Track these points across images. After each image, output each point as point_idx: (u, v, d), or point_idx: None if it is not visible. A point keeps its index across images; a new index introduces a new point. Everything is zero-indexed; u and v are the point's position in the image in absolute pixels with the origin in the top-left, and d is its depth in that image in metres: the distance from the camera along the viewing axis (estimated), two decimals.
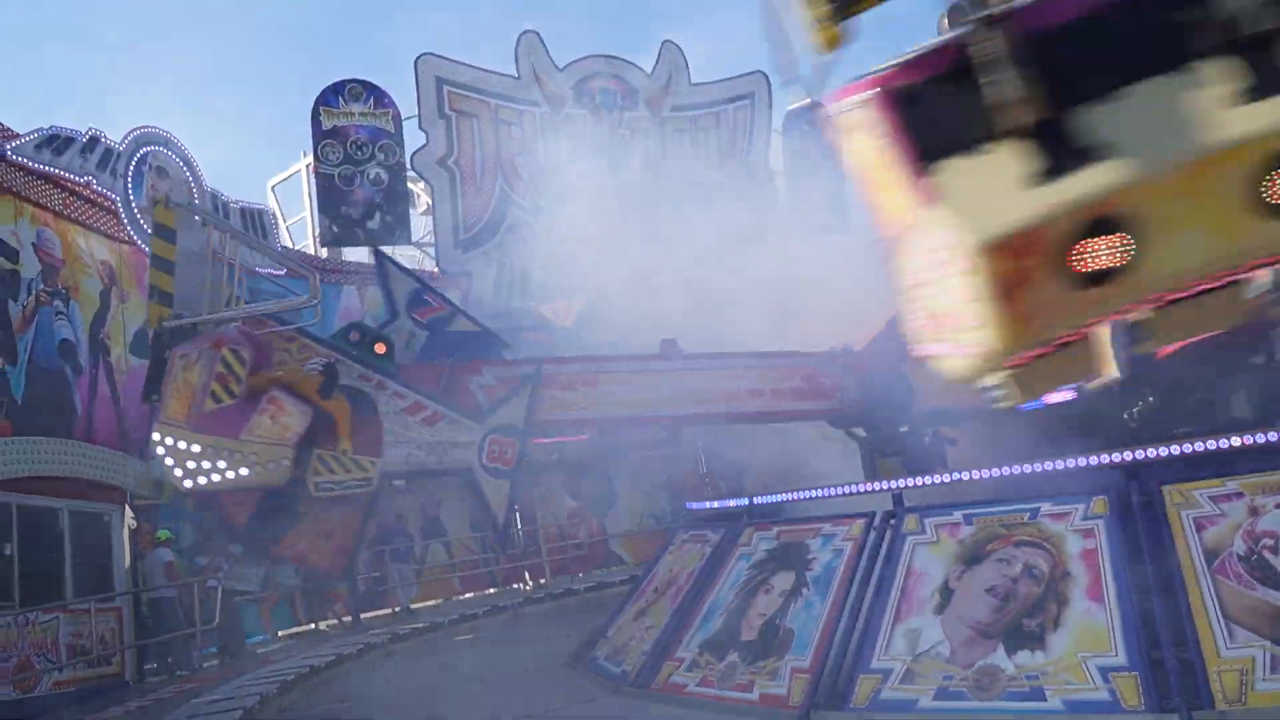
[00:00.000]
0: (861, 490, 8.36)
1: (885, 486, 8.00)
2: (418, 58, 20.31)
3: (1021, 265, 4.09)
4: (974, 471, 7.49)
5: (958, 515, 7.08)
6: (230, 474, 7.27)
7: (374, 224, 19.65)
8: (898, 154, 4.45)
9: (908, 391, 10.07)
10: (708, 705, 7.14)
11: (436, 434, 8.75)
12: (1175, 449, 6.32)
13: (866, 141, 4.61)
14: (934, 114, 4.32)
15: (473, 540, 19.20)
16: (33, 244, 12.76)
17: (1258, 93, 3.96)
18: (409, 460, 8.75)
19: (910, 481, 7.90)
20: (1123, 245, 4.05)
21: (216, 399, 7.24)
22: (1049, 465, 7.03)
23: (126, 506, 13.58)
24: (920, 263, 4.55)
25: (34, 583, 11.74)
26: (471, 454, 8.84)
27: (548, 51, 21.72)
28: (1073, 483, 6.77)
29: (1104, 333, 4.71)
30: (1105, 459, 6.67)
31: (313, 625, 16.47)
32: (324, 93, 19.79)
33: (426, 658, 12.16)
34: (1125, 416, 8.93)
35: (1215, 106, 3.99)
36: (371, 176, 19.63)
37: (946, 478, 7.79)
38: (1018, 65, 4.07)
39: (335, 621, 16.67)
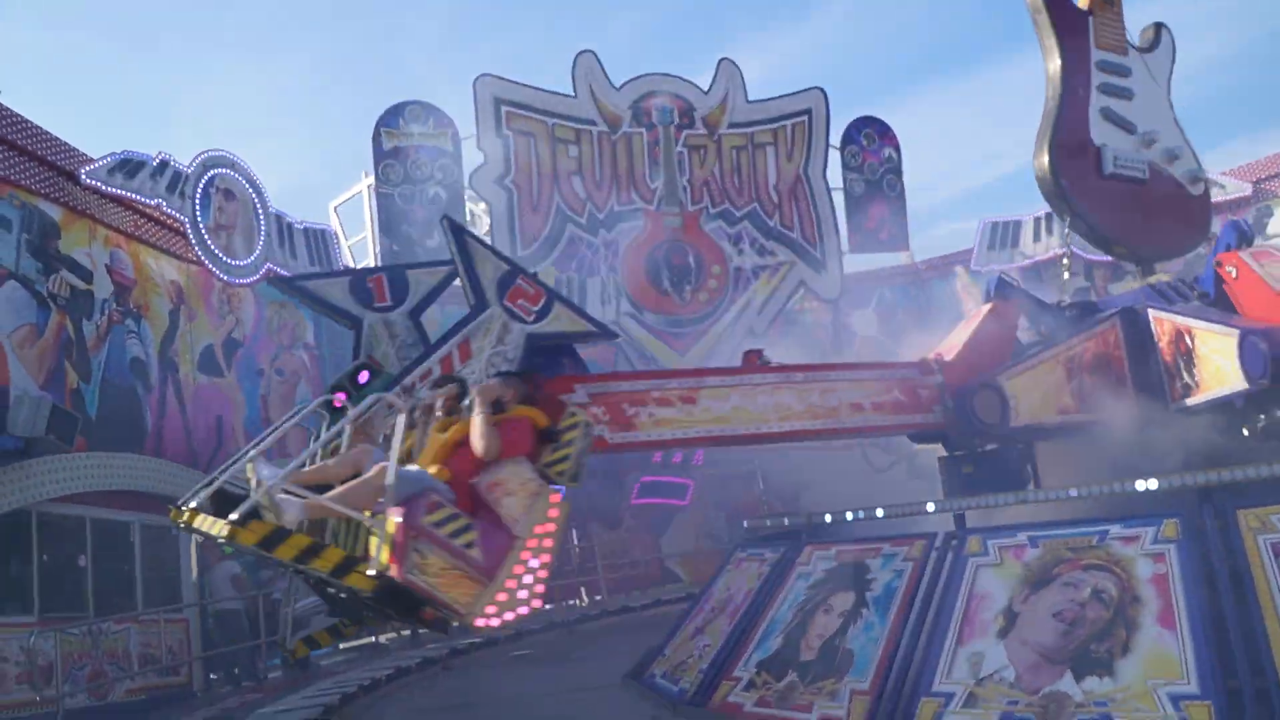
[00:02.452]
0: (922, 511, 8.27)
1: (947, 507, 7.91)
2: (476, 78, 20.59)
3: None
4: (1040, 493, 7.36)
5: (1022, 537, 6.97)
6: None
7: (433, 242, 19.91)
8: None
9: (1004, 404, 9.56)
10: None
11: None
12: (1252, 471, 6.17)
13: None
14: None
15: None
16: (106, 265, 13.16)
17: None
18: None
19: (973, 503, 7.81)
20: None
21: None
22: (1119, 487, 6.91)
23: None
24: None
25: (106, 594, 12.08)
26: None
27: (604, 71, 21.89)
28: (1143, 506, 6.63)
29: None
30: (1178, 481, 6.53)
31: (373, 639, 16.66)
32: (385, 114, 20.14)
33: (484, 672, 12.25)
34: (1246, 433, 8.53)
35: None
36: (431, 195, 19.92)
37: (1010, 499, 7.67)
38: None
39: (395, 635, 16.83)
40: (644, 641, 10.67)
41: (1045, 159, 10.11)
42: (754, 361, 10.08)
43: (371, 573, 5.46)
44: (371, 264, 20.68)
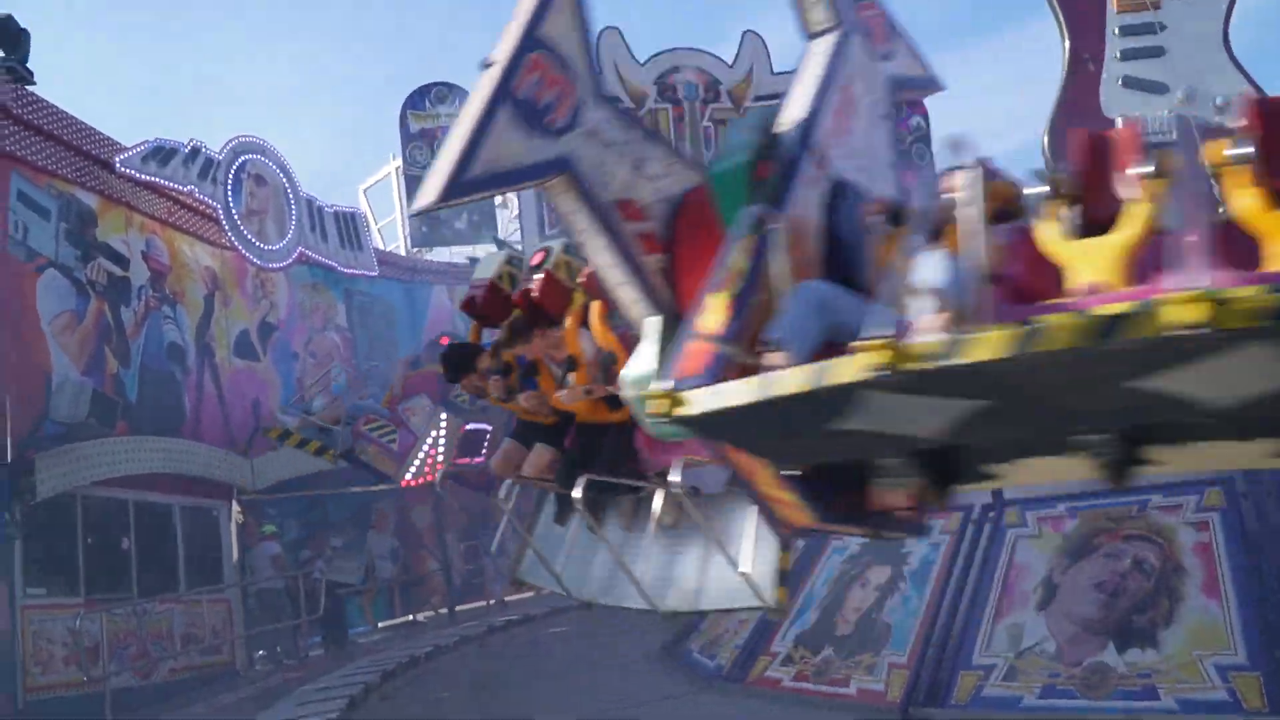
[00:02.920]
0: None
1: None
2: None
3: None
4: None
5: (1061, 508, 6.92)
6: None
7: (461, 224, 19.98)
8: None
9: None
10: (804, 700, 7.12)
11: None
12: None
13: None
14: None
15: None
16: (142, 252, 13.29)
17: None
18: None
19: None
20: None
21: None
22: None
23: (233, 502, 14.09)
24: None
25: (150, 575, 12.27)
26: None
27: (628, 47, 21.77)
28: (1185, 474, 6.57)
29: None
30: None
31: (410, 617, 16.85)
32: (411, 96, 20.17)
33: (522, 649, 12.36)
34: None
35: None
36: None
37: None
38: None
39: (432, 613, 17.03)
40: (680, 617, 10.71)
41: (1045, 141, 10.09)
42: None
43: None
44: (402, 246, 20.78)
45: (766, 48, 22.82)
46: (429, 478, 15.95)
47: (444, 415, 15.61)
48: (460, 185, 3.15)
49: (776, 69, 22.83)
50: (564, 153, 3.79)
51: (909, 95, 10.08)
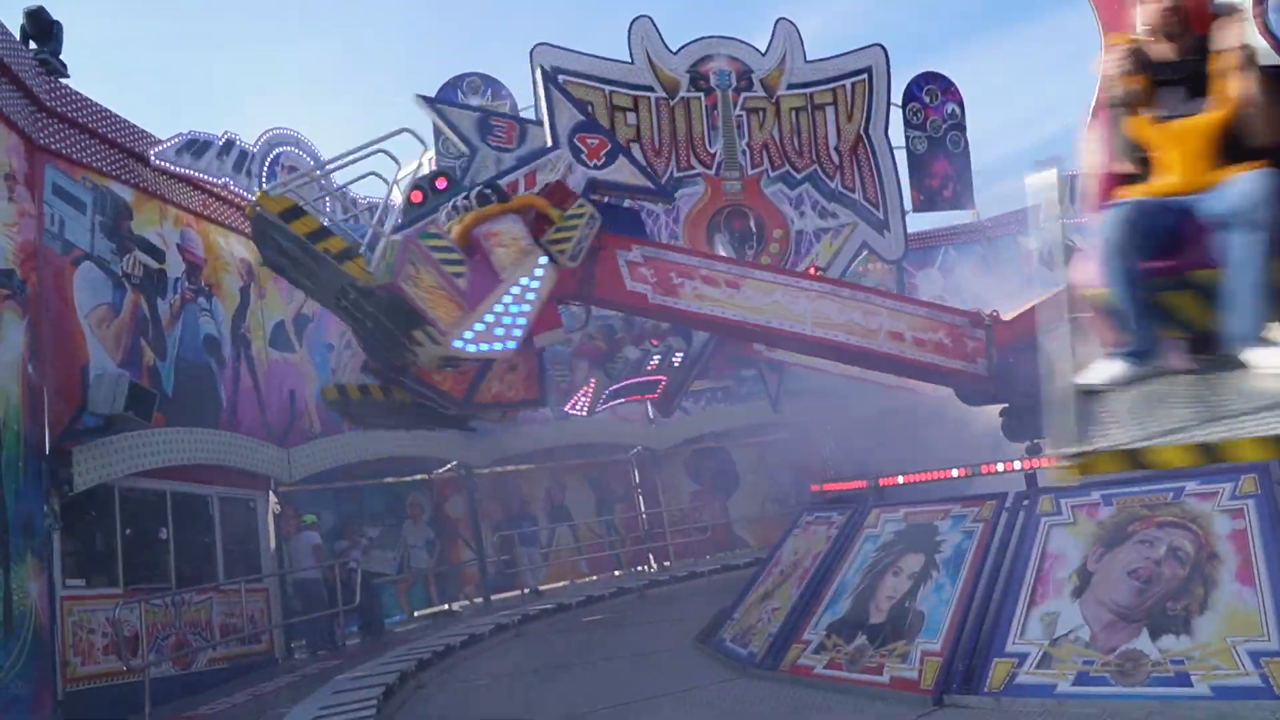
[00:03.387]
0: (992, 471, 8.16)
1: (1017, 467, 7.80)
2: (533, 47, 20.54)
3: None
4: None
5: (1096, 496, 6.83)
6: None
7: None
8: None
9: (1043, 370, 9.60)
10: (837, 688, 7.08)
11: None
12: None
13: None
14: None
15: (598, 524, 19.49)
16: (177, 244, 13.45)
17: None
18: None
19: (1044, 462, 7.67)
20: None
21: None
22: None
23: (270, 492, 14.26)
24: None
25: (188, 565, 12.45)
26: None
27: (661, 36, 21.69)
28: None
29: None
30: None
31: (446, 606, 17.01)
32: (444, 87, 20.18)
33: (555, 638, 12.41)
34: None
35: None
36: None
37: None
38: None
39: (467, 603, 17.17)
40: (712, 606, 10.72)
41: None
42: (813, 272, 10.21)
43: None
44: None
45: (800, 35, 22.64)
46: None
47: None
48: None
49: (810, 57, 22.67)
50: None
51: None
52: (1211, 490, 6.20)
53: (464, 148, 11.26)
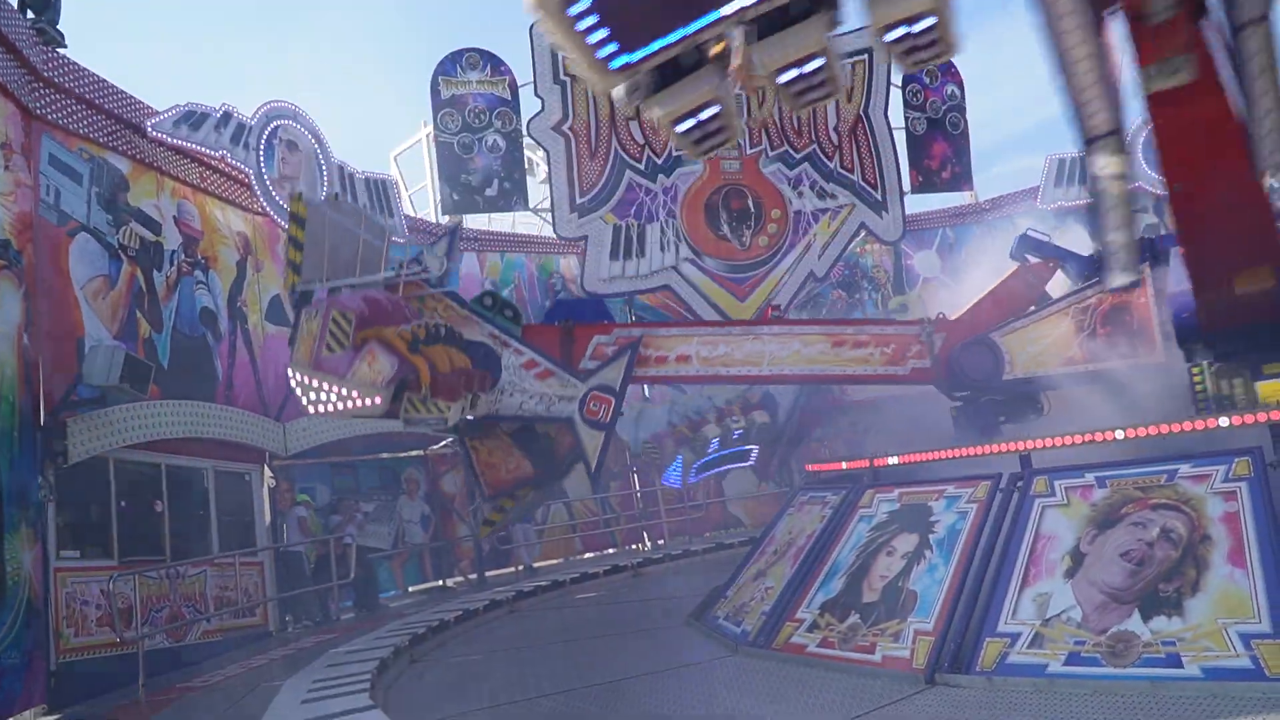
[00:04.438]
0: (986, 453, 8.17)
1: (1012, 449, 7.81)
2: (532, 24, 20.42)
3: None
4: (1109, 432, 7.23)
5: (1089, 477, 6.85)
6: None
7: (492, 191, 19.96)
8: None
9: (995, 357, 10.33)
10: (829, 666, 7.11)
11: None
12: None
13: None
14: None
15: (593, 502, 19.53)
16: (174, 216, 13.40)
17: None
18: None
19: (1041, 443, 7.68)
20: None
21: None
22: (1188, 426, 6.77)
23: (265, 466, 14.26)
24: None
25: (183, 538, 12.47)
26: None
27: None
28: (1212, 444, 6.48)
29: None
30: (1250, 419, 6.37)
31: (440, 582, 17.06)
32: (442, 62, 20.11)
33: (549, 614, 12.46)
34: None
35: None
36: (489, 144, 19.91)
37: (1079, 439, 7.53)
38: None
39: (462, 579, 17.23)
40: (706, 584, 10.76)
41: None
42: (768, 315, 11.64)
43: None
44: (432, 212, 20.85)
45: None
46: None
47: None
48: None
49: None
50: None
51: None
52: (1205, 473, 6.21)
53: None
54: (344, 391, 9.11)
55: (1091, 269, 10.47)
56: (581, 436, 10.36)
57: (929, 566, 7.31)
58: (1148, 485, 6.45)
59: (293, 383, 9.45)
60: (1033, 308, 10.71)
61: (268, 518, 14.16)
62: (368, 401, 9.15)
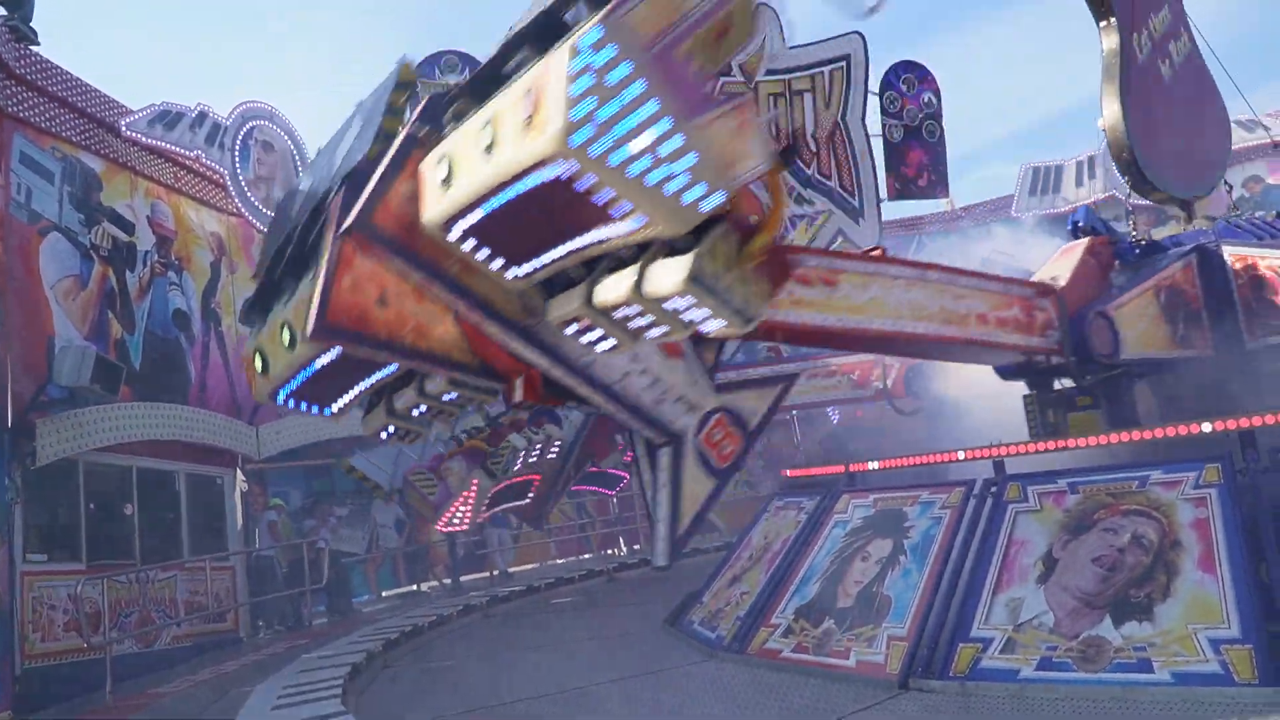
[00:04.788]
0: (960, 458, 8.20)
1: (983, 454, 7.85)
2: (511, 25, 20.39)
3: None
4: (1080, 439, 7.30)
5: (1062, 483, 6.90)
6: None
7: None
8: None
9: (1115, 333, 9.12)
10: (804, 671, 7.11)
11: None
12: None
13: None
14: None
15: (569, 506, 19.48)
16: (147, 217, 13.27)
17: None
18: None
19: (1011, 449, 7.73)
20: None
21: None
22: (1159, 433, 6.83)
23: (238, 470, 14.14)
24: None
25: (153, 541, 12.34)
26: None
27: None
28: (1184, 450, 6.53)
29: None
30: (1218, 425, 6.43)
31: (414, 586, 16.96)
32: (421, 64, 20.00)
33: (524, 619, 12.40)
34: None
35: None
36: None
37: (1050, 445, 7.59)
38: None
39: (436, 583, 17.13)
40: (682, 589, 10.74)
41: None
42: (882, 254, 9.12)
43: None
44: None
45: (780, 20, 22.60)
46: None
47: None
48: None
49: (791, 43, 22.64)
50: None
51: None
52: (1175, 479, 6.27)
53: None
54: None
55: (1134, 254, 9.99)
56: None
57: (903, 572, 7.34)
58: (1119, 491, 6.50)
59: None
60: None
61: (240, 522, 14.04)
62: None
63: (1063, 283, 9.20)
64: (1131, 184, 10.15)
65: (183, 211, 14.11)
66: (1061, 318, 8.80)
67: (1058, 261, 9.89)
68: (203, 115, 14.24)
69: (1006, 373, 9.69)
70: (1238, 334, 9.16)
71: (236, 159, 14.73)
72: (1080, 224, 10.26)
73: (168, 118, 13.68)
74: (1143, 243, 10.38)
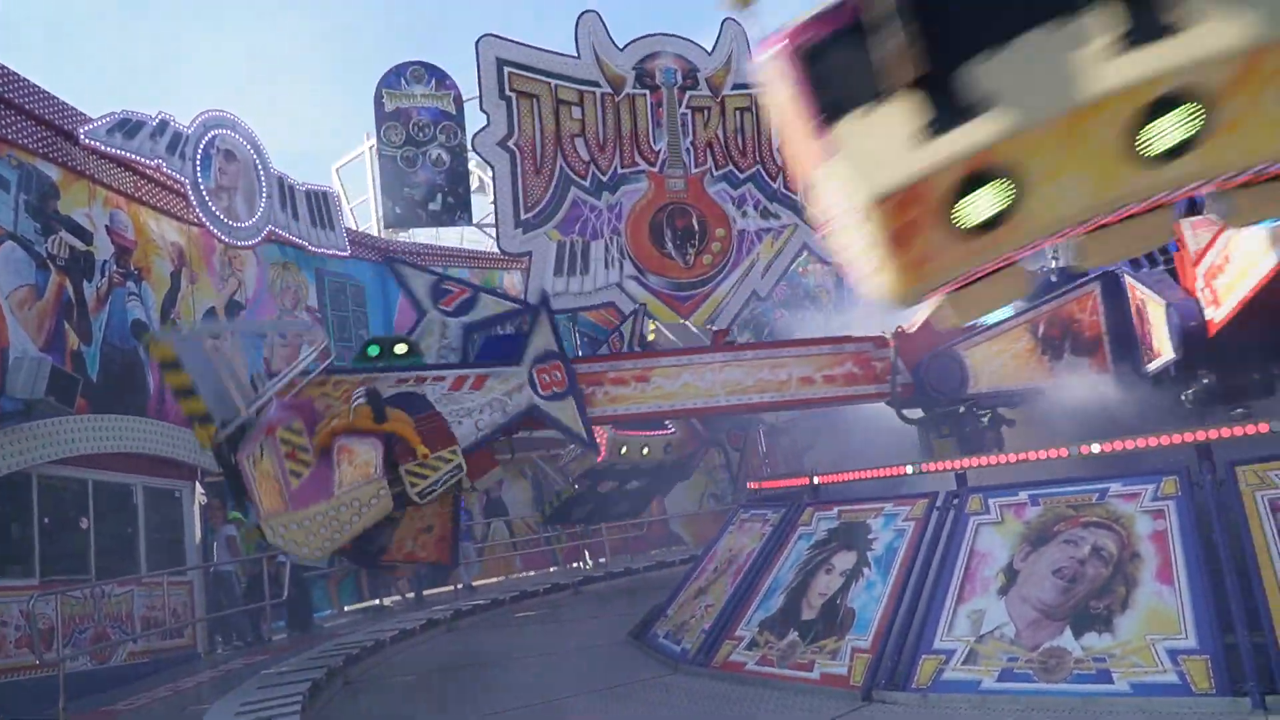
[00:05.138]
0: (924, 471, 8.26)
1: (948, 467, 7.91)
2: (479, 38, 20.37)
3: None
4: (1043, 451, 7.37)
5: (1023, 496, 6.96)
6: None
7: (436, 205, 19.84)
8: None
9: (961, 372, 10.21)
10: (768, 683, 7.12)
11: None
12: (1250, 429, 6.17)
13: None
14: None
15: (533, 520, 19.40)
16: (106, 226, 13.06)
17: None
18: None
19: (975, 462, 7.79)
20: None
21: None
22: (1121, 445, 6.90)
23: (197, 483, 13.93)
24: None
25: (109, 556, 12.09)
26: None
27: (608, 31, 21.65)
28: (1143, 463, 6.62)
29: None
30: (1177, 439, 6.52)
31: (377, 601, 16.78)
32: (386, 75, 19.98)
33: (488, 633, 12.31)
34: (1182, 398, 8.79)
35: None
36: (433, 158, 19.80)
37: (1013, 458, 7.65)
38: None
39: (399, 598, 16.96)
40: (647, 602, 10.72)
41: None
42: (720, 340, 11.70)
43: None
44: (375, 226, 20.66)
45: (747, 36, 22.75)
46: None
47: None
48: None
49: (757, 58, 22.77)
50: None
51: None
52: (1134, 491, 6.35)
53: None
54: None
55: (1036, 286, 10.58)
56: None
57: (867, 584, 7.37)
58: (1079, 503, 6.56)
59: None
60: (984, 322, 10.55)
61: (198, 536, 13.82)
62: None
63: (913, 329, 10.32)
64: None
65: (142, 221, 13.90)
66: (895, 364, 10.38)
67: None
68: (164, 124, 14.05)
69: (894, 405, 10.79)
70: (1136, 361, 9.54)
71: (198, 168, 14.54)
72: None
73: (128, 126, 13.48)
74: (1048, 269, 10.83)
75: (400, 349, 9.74)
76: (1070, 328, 10.09)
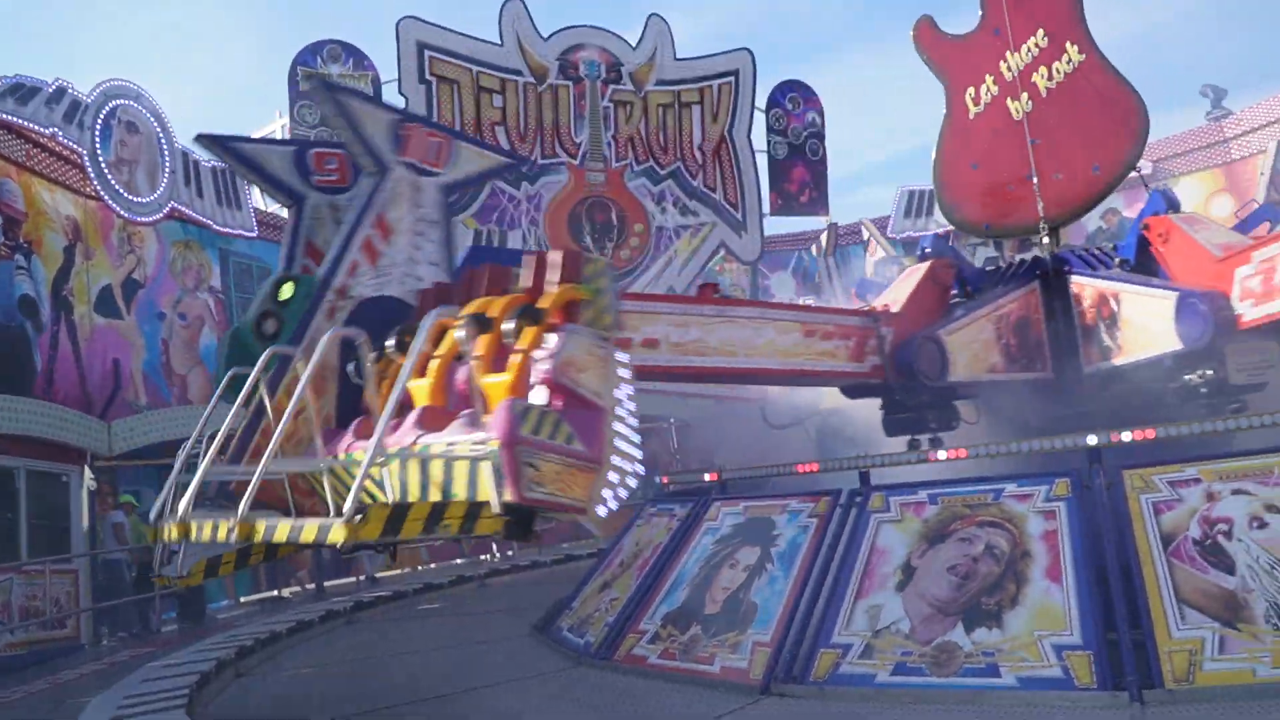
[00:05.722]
0: (829, 468, 8.34)
1: (851, 465, 8.00)
2: (399, 20, 20.02)
3: None
4: (940, 451, 7.51)
5: (923, 494, 7.07)
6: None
7: None
8: None
9: (943, 357, 9.55)
10: (670, 677, 7.10)
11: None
12: (1138, 434, 6.37)
13: None
14: None
15: None
16: None
17: None
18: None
19: (877, 460, 7.89)
20: None
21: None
22: (1015, 447, 7.07)
23: (86, 467, 13.40)
24: None
25: None
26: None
27: (532, 20, 21.47)
28: (1038, 465, 6.78)
29: None
30: (1069, 442, 6.70)
31: (276, 592, 16.37)
32: (302, 52, 19.50)
33: (389, 626, 12.09)
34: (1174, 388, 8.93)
35: None
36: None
37: (913, 457, 7.78)
38: None
39: (299, 589, 16.59)
40: (552, 595, 10.63)
41: None
42: (710, 295, 9.73)
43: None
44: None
45: (671, 32, 22.81)
46: None
47: None
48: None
49: (680, 55, 22.84)
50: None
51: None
52: (1028, 492, 6.50)
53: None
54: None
55: (983, 281, 10.69)
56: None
57: (770, 579, 7.40)
58: (975, 503, 6.69)
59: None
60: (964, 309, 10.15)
61: (86, 522, 13.29)
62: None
63: (896, 308, 9.82)
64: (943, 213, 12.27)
65: (34, 192, 13.31)
66: (883, 344, 9.47)
67: (901, 284, 10.55)
68: (61, 91, 13.49)
69: (851, 393, 10.24)
70: (1076, 360, 9.71)
71: (97, 139, 14.00)
72: (928, 250, 11.02)
73: (21, 91, 12.91)
74: (992, 269, 10.99)
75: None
76: (1019, 324, 10.13)
